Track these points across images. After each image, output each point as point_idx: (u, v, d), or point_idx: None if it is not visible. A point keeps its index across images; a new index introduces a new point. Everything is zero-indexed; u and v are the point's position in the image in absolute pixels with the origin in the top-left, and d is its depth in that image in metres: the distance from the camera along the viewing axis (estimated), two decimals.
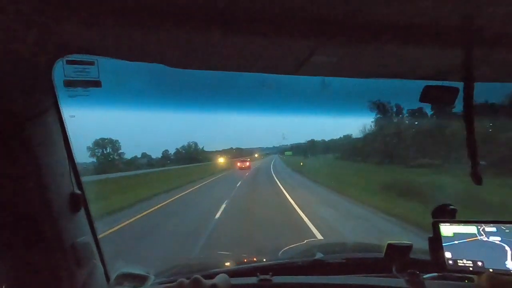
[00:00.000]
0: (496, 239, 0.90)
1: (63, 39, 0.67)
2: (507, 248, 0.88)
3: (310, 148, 67.47)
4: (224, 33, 0.61)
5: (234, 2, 0.54)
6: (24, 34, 0.61)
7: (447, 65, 0.78)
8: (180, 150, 68.29)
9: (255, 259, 1.58)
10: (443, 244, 0.96)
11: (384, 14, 0.57)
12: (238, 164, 34.40)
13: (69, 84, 0.74)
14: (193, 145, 70.71)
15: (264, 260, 1.47)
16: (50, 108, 0.74)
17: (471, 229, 0.94)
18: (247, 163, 32.99)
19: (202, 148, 73.07)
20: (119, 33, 0.65)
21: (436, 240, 0.97)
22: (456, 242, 0.95)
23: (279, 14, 0.57)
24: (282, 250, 1.62)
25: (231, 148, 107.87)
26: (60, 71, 0.75)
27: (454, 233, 0.96)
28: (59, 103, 0.77)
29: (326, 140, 78.04)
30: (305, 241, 1.86)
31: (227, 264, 1.39)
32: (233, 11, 0.56)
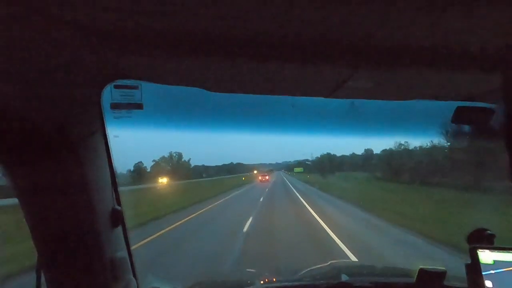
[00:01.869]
0: None
1: (112, 65, 0.74)
2: None
3: (327, 165, 53.45)
4: (262, 58, 0.65)
5: (272, 29, 0.57)
6: (78, 61, 0.67)
7: (482, 87, 0.77)
8: (160, 162, 50.61)
9: (275, 279, 1.55)
10: (483, 273, 0.91)
11: (421, 38, 0.58)
12: (260, 177, 43.65)
13: (115, 106, 0.81)
14: (176, 156, 51.43)
15: (288, 280, 1.44)
16: (98, 129, 0.80)
17: None
18: (267, 177, 42.75)
19: (188, 160, 54.60)
20: (163, 60, 0.70)
21: (475, 268, 0.92)
22: (497, 270, 0.90)
23: (316, 40, 0.59)
24: (306, 270, 1.59)
25: (231, 163, 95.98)
26: (107, 94, 0.82)
27: (494, 261, 0.91)
28: (105, 124, 0.83)
29: (337, 155, 62.98)
30: (329, 262, 1.81)
31: (252, 282, 1.37)
32: (271, 37, 0.60)
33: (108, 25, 0.56)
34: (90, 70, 0.73)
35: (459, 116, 0.86)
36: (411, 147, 27.07)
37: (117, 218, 0.83)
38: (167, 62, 0.71)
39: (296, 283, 1.32)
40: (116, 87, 0.79)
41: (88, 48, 0.63)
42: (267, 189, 23.13)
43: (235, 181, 40.95)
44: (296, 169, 66.83)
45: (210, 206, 13.57)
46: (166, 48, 0.64)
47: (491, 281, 0.90)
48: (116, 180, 0.89)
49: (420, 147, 24.76)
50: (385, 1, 0.45)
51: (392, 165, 27.31)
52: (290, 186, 27.46)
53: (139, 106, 0.84)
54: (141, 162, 46.29)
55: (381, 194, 16.20)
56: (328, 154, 60.13)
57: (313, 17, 0.51)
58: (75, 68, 0.69)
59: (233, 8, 0.49)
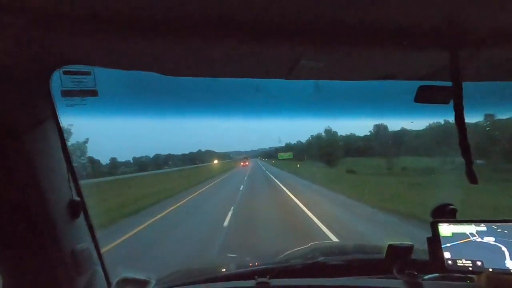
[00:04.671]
0: (490, 239, 0.90)
1: (60, 50, 0.69)
2: (503, 247, 0.87)
3: (336, 148, 35.83)
4: (215, 40, 0.63)
5: (223, 11, 0.55)
6: (21, 46, 0.63)
7: (438, 65, 0.79)
8: None
9: (256, 263, 1.58)
10: (442, 246, 0.96)
11: (370, 17, 0.58)
12: (241, 163, 53.03)
13: (66, 94, 0.76)
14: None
15: (265, 263, 1.47)
16: (48, 118, 0.76)
17: (469, 228, 0.93)
18: (247, 163, 53.25)
19: (85, 142, 19.85)
20: (114, 43, 0.67)
21: (435, 241, 0.97)
22: (455, 242, 0.95)
23: (266, 21, 0.58)
24: (284, 254, 1.62)
25: (200, 150, 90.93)
26: (58, 81, 0.77)
27: (452, 233, 0.95)
28: (57, 112, 0.79)
29: (340, 134, 41.20)
30: (310, 244, 1.85)
31: (228, 268, 1.39)
32: (223, 19, 0.58)
33: (51, 6, 0.52)
34: (34, 56, 0.68)
35: (421, 95, 0.88)
36: None
37: (76, 210, 0.80)
38: (118, 45, 0.68)
39: (272, 265, 1.35)
40: (65, 73, 0.75)
41: (30, 31, 0.59)
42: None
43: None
44: (282, 155, 46.22)
45: None
46: (116, 30, 0.61)
47: (450, 252, 0.95)
48: (75, 170, 0.85)
49: None
50: None
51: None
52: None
53: (93, 93, 0.80)
54: None
55: None
56: (329, 131, 37.58)
57: None
58: (18, 53, 0.64)
59: None
